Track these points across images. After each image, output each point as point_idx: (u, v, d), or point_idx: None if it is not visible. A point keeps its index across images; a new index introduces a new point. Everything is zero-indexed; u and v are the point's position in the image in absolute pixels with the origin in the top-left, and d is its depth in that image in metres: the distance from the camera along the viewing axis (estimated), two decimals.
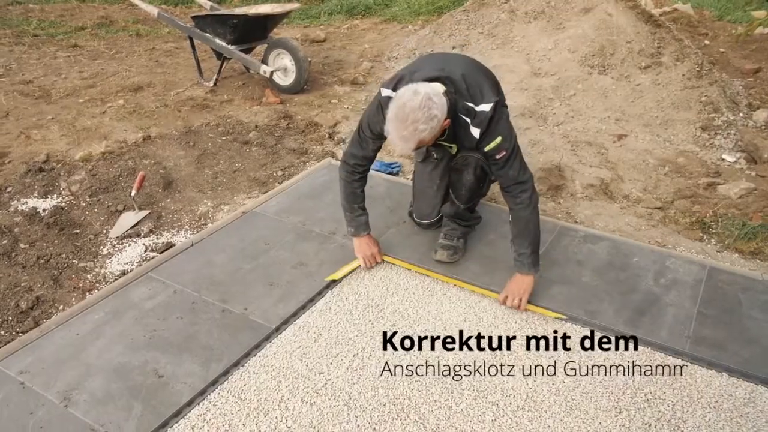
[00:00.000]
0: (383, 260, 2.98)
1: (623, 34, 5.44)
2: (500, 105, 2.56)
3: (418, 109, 2.29)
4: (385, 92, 2.54)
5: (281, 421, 2.14)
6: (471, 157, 2.74)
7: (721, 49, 6.36)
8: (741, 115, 4.75)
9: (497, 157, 2.54)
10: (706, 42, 6.56)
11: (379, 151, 2.79)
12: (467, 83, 2.49)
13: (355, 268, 2.93)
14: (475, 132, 2.51)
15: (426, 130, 2.33)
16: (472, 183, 2.82)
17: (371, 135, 2.67)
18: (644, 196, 3.69)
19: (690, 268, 2.95)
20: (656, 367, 2.39)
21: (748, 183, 3.76)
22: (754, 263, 3.11)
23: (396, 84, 2.50)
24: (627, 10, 5.64)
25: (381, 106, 2.55)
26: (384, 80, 2.68)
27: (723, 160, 4.14)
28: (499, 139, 2.51)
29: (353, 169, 2.79)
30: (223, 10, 5.57)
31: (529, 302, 2.68)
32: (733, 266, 3.05)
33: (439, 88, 2.42)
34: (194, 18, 5.26)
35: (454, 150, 2.77)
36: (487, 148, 2.54)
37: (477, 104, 2.48)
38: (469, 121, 2.51)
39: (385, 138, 2.62)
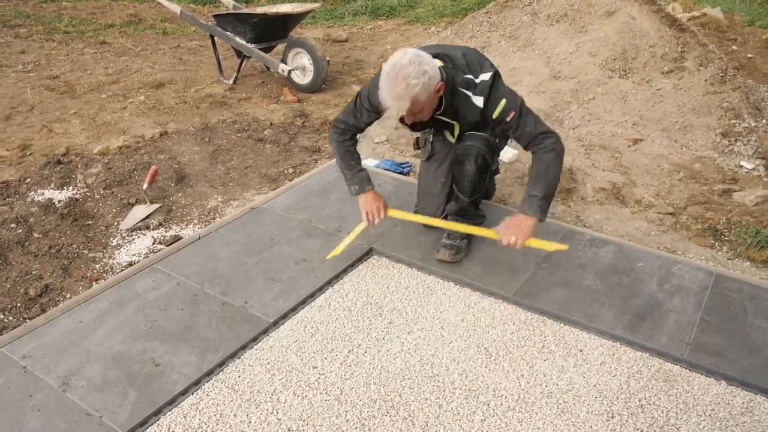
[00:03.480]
0: (387, 215, 2.90)
1: (646, 38, 5.37)
2: (499, 76, 2.61)
3: (408, 65, 2.35)
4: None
5: (272, 413, 2.16)
6: (472, 147, 2.77)
7: (749, 55, 6.25)
8: (764, 121, 4.65)
9: (507, 119, 2.56)
10: (734, 47, 6.45)
11: (369, 125, 2.85)
12: (467, 60, 2.57)
13: (358, 234, 2.92)
14: (478, 101, 2.55)
15: (418, 85, 2.36)
16: (474, 173, 2.81)
17: (368, 107, 2.71)
18: (656, 201, 3.64)
19: (696, 275, 2.90)
20: (653, 372, 2.36)
21: (765, 190, 3.69)
22: (766, 272, 3.05)
23: None
24: (651, 14, 5.57)
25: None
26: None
27: (741, 166, 4.06)
28: (503, 102, 2.54)
29: (343, 132, 2.86)
30: (244, 9, 5.64)
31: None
32: (743, 274, 3.00)
33: (428, 54, 2.48)
34: (216, 16, 5.34)
35: (456, 131, 2.78)
36: (495, 115, 2.56)
37: (476, 76, 2.55)
38: (470, 93, 2.55)
39: (379, 113, 2.69)
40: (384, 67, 2.44)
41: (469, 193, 2.90)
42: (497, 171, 3.20)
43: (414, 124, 2.76)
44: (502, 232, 2.60)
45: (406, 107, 2.45)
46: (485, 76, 2.56)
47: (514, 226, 2.58)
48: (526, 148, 2.64)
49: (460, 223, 2.98)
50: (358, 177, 2.87)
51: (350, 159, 2.88)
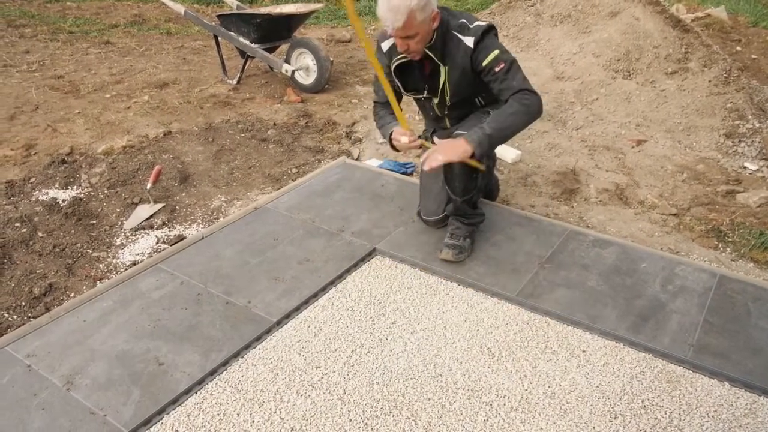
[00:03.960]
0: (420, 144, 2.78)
1: (650, 39, 5.37)
2: (495, 30, 2.63)
3: None
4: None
5: (275, 412, 2.17)
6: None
7: (753, 56, 6.23)
8: None
9: (496, 69, 2.55)
10: (738, 48, 6.43)
11: (398, 86, 2.86)
12: (459, 12, 2.65)
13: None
14: (469, 41, 2.55)
15: (415, 1, 2.38)
16: (462, 172, 2.77)
17: (382, 65, 2.75)
18: (660, 202, 3.64)
19: (700, 276, 2.90)
20: (656, 373, 2.36)
21: None
22: None
23: None
24: (655, 15, 5.56)
25: (378, 41, 2.76)
26: None
27: (745, 168, 4.06)
28: (496, 52, 2.55)
29: (378, 105, 2.99)
30: (248, 10, 5.64)
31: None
32: (747, 276, 2.99)
33: None
34: (219, 17, 5.35)
35: (443, 78, 2.72)
36: (485, 62, 2.56)
37: (471, 22, 2.59)
38: (461, 36, 2.57)
39: (389, 64, 2.75)
40: None
41: (461, 192, 2.87)
42: (493, 168, 3.20)
43: (405, 77, 2.80)
44: (433, 149, 2.59)
45: (402, 22, 2.43)
46: (480, 23, 2.59)
47: (447, 144, 2.57)
48: (505, 101, 2.60)
49: (460, 228, 2.98)
50: (388, 125, 2.86)
51: (383, 117, 2.93)
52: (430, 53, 2.65)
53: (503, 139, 2.63)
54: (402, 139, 2.73)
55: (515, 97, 2.55)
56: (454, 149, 2.53)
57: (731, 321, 2.62)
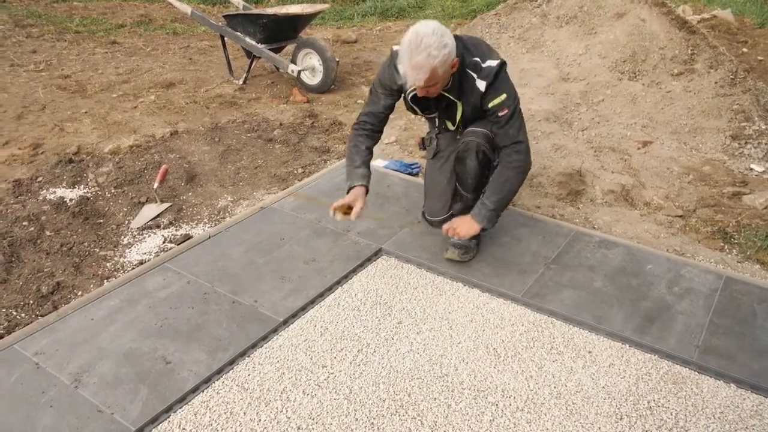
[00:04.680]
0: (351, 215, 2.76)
1: (656, 40, 5.36)
2: (506, 68, 2.65)
3: (431, 34, 2.38)
4: (396, 47, 2.61)
5: (281, 411, 2.17)
6: (472, 142, 2.79)
7: (760, 58, 6.22)
8: None
9: (500, 114, 2.63)
10: (745, 50, 6.43)
11: (390, 111, 2.84)
12: (473, 43, 2.64)
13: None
14: (481, 85, 2.59)
15: (438, 57, 2.39)
16: (476, 169, 2.83)
17: (383, 90, 2.74)
18: (665, 204, 3.63)
19: (706, 278, 2.90)
20: (662, 374, 2.36)
21: None
22: None
23: None
24: (661, 16, 5.55)
25: (392, 58, 2.64)
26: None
27: (751, 169, 4.05)
28: (503, 96, 2.60)
29: (360, 125, 2.85)
30: (254, 10, 5.66)
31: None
32: (753, 277, 2.99)
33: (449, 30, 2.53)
34: (226, 17, 5.36)
35: (459, 113, 2.77)
36: (491, 104, 2.62)
37: (484, 60, 2.59)
38: (475, 75, 2.59)
39: (396, 94, 2.74)
40: (405, 38, 2.45)
41: (472, 189, 2.92)
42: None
43: (419, 103, 2.80)
44: (449, 224, 2.82)
45: (425, 78, 2.45)
46: (492, 62, 2.60)
47: (462, 222, 2.80)
48: (500, 147, 2.73)
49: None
50: (353, 173, 2.84)
51: (355, 154, 2.85)
52: (446, 93, 2.69)
53: (506, 206, 2.82)
54: (357, 207, 2.75)
55: (508, 160, 2.69)
56: (471, 231, 2.78)
57: (737, 323, 2.62)
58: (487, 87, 2.59)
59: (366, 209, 2.81)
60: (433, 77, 2.47)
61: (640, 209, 3.61)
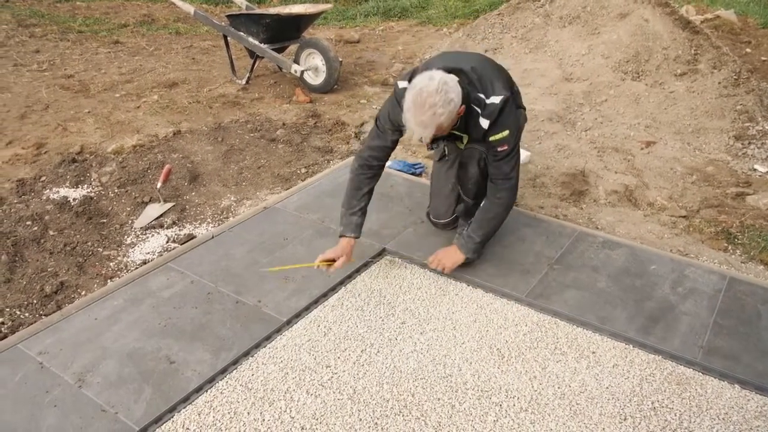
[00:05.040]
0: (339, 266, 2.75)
1: (659, 41, 5.35)
2: (511, 101, 2.60)
3: (435, 93, 2.34)
4: (402, 84, 2.58)
5: (285, 411, 2.17)
6: (475, 150, 2.79)
7: (763, 58, 6.21)
8: None
9: (498, 149, 2.63)
10: (748, 50, 6.41)
11: (396, 145, 2.80)
12: (477, 75, 2.57)
13: (303, 266, 2.81)
14: (484, 123, 2.57)
15: (444, 114, 2.37)
16: (477, 176, 2.85)
17: (390, 126, 2.69)
18: (669, 204, 3.63)
19: (709, 278, 2.90)
20: (666, 375, 2.36)
21: None
22: None
23: (411, 76, 2.54)
24: (664, 16, 5.55)
25: (397, 98, 2.59)
26: (400, 74, 2.72)
27: (755, 170, 4.05)
28: (506, 133, 2.59)
29: (366, 162, 2.76)
30: (257, 10, 5.66)
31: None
32: (756, 278, 2.99)
33: (453, 76, 2.48)
34: (229, 17, 5.37)
35: (464, 142, 2.80)
36: (492, 139, 2.61)
37: (488, 96, 2.55)
38: (479, 110, 2.57)
39: (402, 132, 2.67)
40: (409, 94, 2.41)
41: (473, 195, 2.94)
42: None
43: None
44: (434, 256, 2.87)
45: (431, 134, 2.45)
46: (495, 99, 2.54)
47: (446, 255, 2.85)
48: (490, 179, 2.77)
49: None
50: (348, 219, 2.79)
51: (354, 197, 2.79)
52: (453, 131, 2.68)
53: (491, 238, 2.91)
54: (338, 263, 2.73)
55: (495, 194, 2.75)
56: (456, 261, 2.84)
57: (741, 323, 2.61)
58: (490, 125, 2.57)
59: (372, 206, 2.89)
60: (440, 130, 2.47)
61: (643, 210, 3.61)
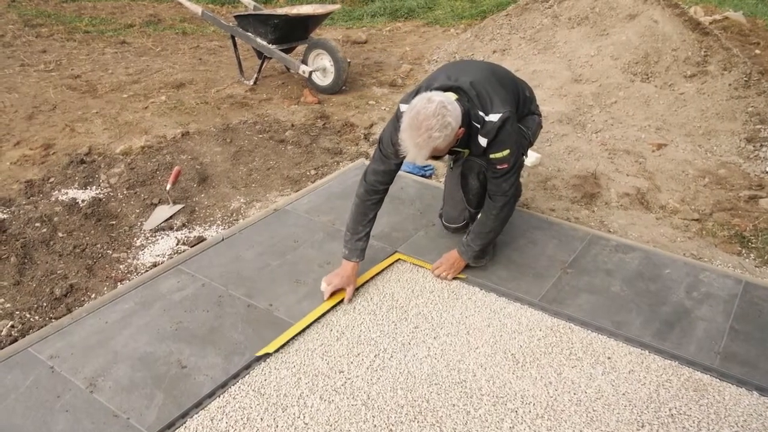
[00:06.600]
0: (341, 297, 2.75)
1: (669, 42, 5.32)
2: (512, 118, 2.56)
3: (432, 116, 2.32)
4: (403, 107, 2.55)
5: (299, 417, 2.15)
6: (474, 163, 2.79)
7: None
8: None
9: (498, 167, 2.62)
10: (757, 51, 6.37)
11: (400, 167, 2.75)
12: (476, 91, 2.53)
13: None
14: (483, 141, 2.57)
15: (440, 137, 2.35)
16: (477, 188, 2.87)
17: (393, 151, 2.62)
18: (681, 207, 3.60)
19: (725, 282, 2.87)
20: (683, 381, 2.33)
21: None
22: None
23: (413, 98, 2.50)
24: (673, 18, 5.52)
25: (399, 117, 2.55)
26: (403, 96, 2.70)
27: (767, 172, 4.01)
28: (506, 152, 2.57)
29: (371, 187, 2.72)
30: (265, 10, 5.64)
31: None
32: None
33: (452, 96, 2.46)
34: (237, 17, 5.35)
35: (467, 154, 2.80)
36: (492, 156, 2.60)
37: (487, 114, 2.52)
38: (479, 126, 2.55)
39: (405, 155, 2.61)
40: (406, 115, 2.39)
41: (475, 205, 2.96)
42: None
43: None
44: (438, 263, 2.92)
45: (427, 156, 2.43)
46: (494, 117, 2.51)
47: (448, 262, 2.90)
48: (488, 192, 2.76)
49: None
50: (352, 245, 2.76)
51: (360, 223, 2.76)
52: (454, 148, 2.66)
53: (489, 247, 2.95)
54: (348, 294, 2.74)
55: (492, 204, 2.73)
56: (458, 267, 2.90)
57: (758, 328, 2.58)
58: (489, 143, 2.56)
59: (382, 209, 2.87)
60: (436, 151, 2.46)
61: (655, 213, 3.58)
